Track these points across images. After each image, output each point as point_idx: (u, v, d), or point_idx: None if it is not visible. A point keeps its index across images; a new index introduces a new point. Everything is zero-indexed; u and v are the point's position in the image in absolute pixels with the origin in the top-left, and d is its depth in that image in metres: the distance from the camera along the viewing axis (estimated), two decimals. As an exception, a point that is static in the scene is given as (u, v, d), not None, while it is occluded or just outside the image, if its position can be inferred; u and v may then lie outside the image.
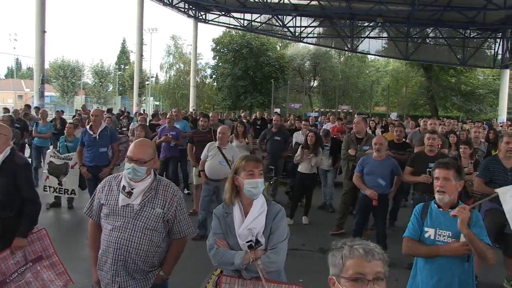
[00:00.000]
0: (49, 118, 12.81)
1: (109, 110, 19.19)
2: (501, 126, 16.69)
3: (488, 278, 5.81)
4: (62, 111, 18.01)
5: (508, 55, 27.14)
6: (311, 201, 8.49)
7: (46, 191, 8.42)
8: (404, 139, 8.94)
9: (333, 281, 1.76)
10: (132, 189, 3.02)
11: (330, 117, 15.85)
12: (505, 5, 20.76)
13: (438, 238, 3.17)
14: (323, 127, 13.06)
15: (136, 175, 3.01)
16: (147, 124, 12.29)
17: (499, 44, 28.77)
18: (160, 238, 3.09)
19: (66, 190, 8.39)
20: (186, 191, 10.23)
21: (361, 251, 1.69)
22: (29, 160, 10.84)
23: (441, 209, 3.23)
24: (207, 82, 52.60)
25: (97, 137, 7.31)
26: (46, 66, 41.62)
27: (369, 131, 11.20)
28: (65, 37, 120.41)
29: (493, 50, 29.58)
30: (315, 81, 49.25)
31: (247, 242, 2.91)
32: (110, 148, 7.55)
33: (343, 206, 7.66)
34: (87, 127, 7.56)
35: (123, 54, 71.55)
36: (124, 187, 3.03)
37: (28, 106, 15.11)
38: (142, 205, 3.01)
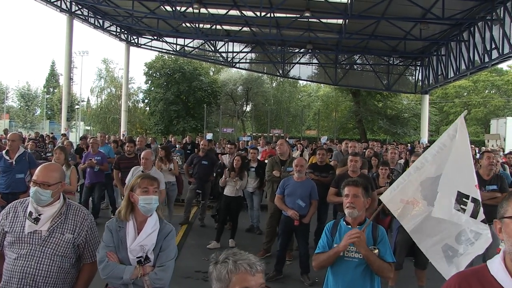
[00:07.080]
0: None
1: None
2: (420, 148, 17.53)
3: (402, 290, 6.09)
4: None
5: (427, 82, 29.02)
6: (237, 224, 8.51)
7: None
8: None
9: None
10: (39, 214, 2.93)
11: (260, 141, 16.08)
12: (420, 36, 22.61)
13: (347, 254, 3.30)
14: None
15: (40, 199, 2.93)
16: (75, 148, 11.92)
17: (419, 71, 30.71)
18: (69, 264, 3.01)
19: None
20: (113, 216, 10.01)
21: (245, 266, 1.75)
22: None
23: (350, 226, 3.37)
24: (139, 107, 51.88)
25: (14, 162, 6.97)
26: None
27: (297, 154, 11.50)
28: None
29: (414, 77, 31.44)
30: (248, 106, 49.89)
31: (137, 257, 2.96)
32: (28, 174, 7.18)
33: (270, 230, 7.57)
34: (3, 152, 7.18)
35: (52, 77, 68.72)
36: (31, 213, 2.93)
37: None
38: (50, 231, 2.92)
